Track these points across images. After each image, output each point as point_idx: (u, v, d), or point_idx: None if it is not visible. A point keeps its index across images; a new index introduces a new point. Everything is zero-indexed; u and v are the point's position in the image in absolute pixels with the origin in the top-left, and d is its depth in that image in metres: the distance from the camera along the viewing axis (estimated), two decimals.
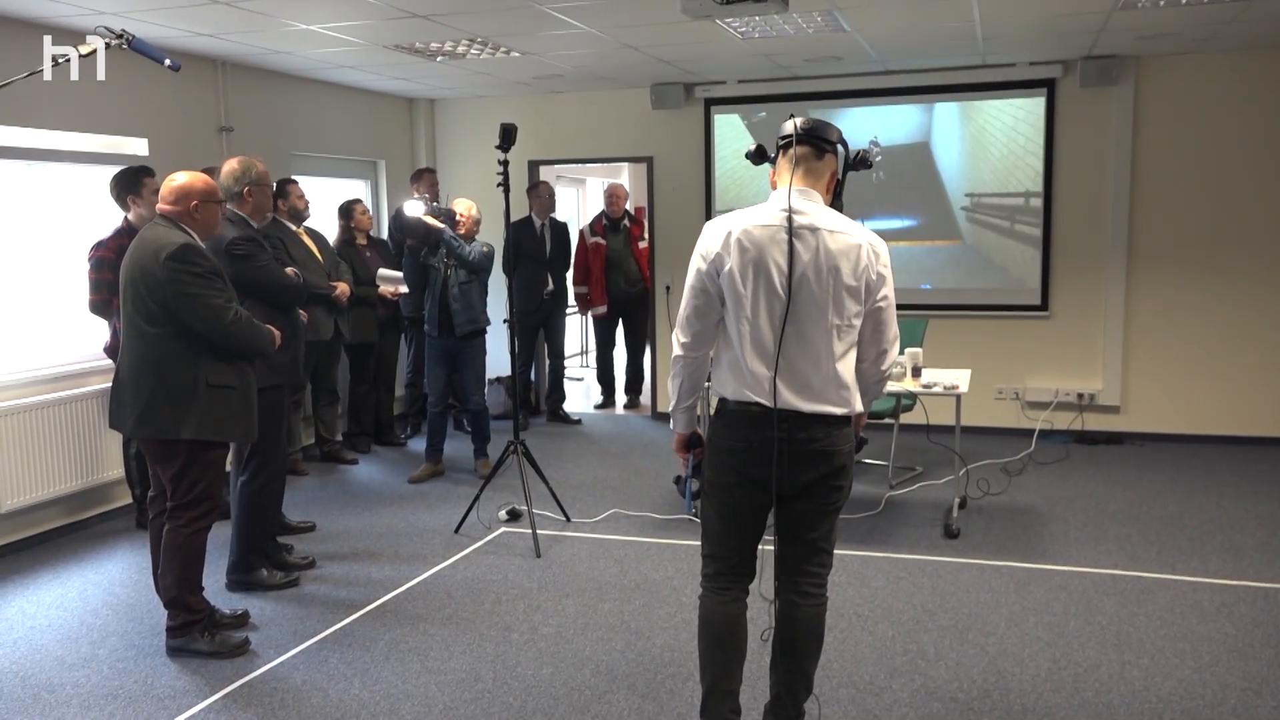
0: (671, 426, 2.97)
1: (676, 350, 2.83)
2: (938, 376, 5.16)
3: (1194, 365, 6.84)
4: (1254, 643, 3.72)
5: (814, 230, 2.68)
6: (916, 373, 5.07)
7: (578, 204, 12.51)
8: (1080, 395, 7.04)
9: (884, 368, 2.84)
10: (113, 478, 5.43)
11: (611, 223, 8.07)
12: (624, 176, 12.03)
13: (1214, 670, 3.51)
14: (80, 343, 5.36)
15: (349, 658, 3.74)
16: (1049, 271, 7.02)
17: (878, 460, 6.37)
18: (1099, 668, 3.54)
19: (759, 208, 2.76)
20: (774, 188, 2.83)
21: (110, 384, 3.81)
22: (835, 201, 2.88)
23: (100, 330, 5.15)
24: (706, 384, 2.89)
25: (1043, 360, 7.12)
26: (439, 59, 6.28)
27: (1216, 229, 6.69)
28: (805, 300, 2.67)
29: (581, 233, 8.17)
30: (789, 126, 2.77)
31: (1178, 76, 6.64)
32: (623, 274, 8.02)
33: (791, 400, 2.69)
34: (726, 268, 2.69)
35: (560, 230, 7.83)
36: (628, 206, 8.32)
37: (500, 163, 5.02)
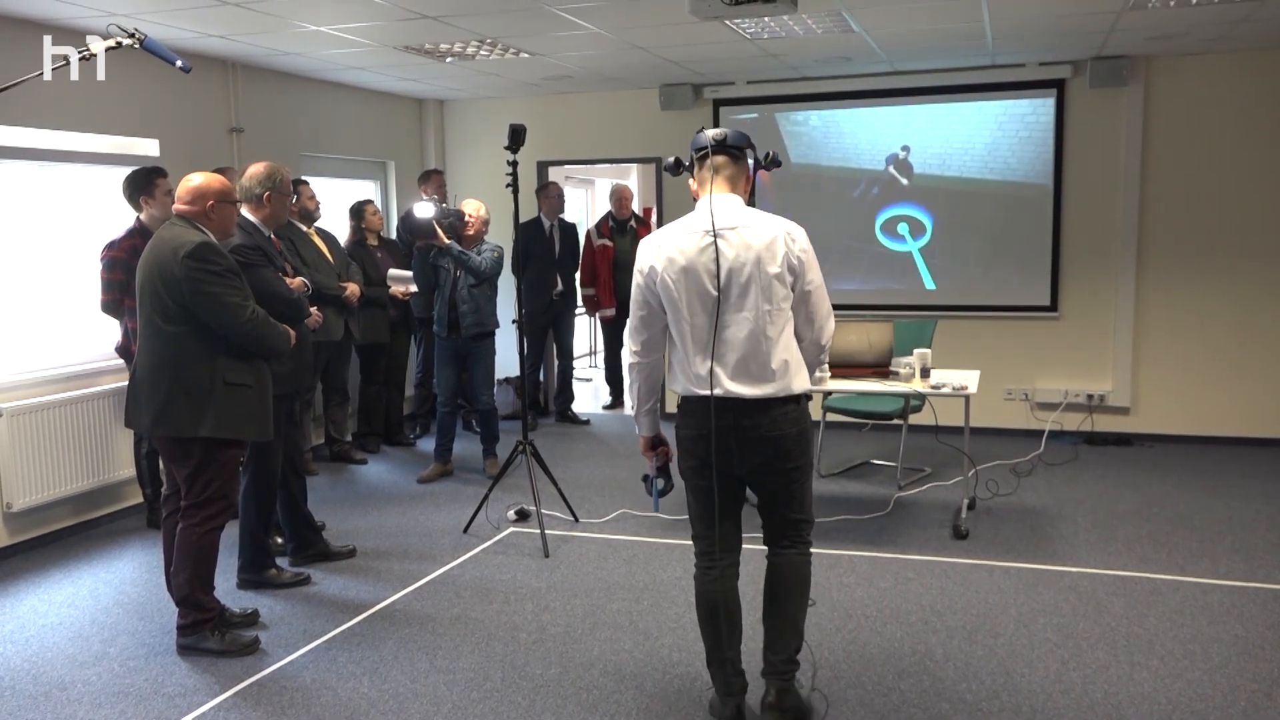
0: (636, 430, 3.25)
1: (629, 359, 3.12)
2: (946, 377, 5.15)
3: (1204, 366, 6.82)
4: (1264, 645, 3.70)
5: (734, 229, 2.95)
6: (925, 373, 5.06)
7: (587, 205, 12.52)
8: (1090, 396, 7.02)
9: (823, 342, 3.09)
10: (123, 477, 5.45)
11: (618, 224, 8.07)
12: (633, 177, 12.04)
13: (1224, 672, 3.50)
14: (91, 342, 5.39)
15: (358, 656, 3.75)
16: (1058, 272, 7.00)
17: (886, 461, 6.37)
18: (1108, 669, 3.53)
19: (686, 219, 3.03)
20: (695, 197, 3.10)
21: (121, 383, 3.83)
22: (750, 199, 3.14)
23: (111, 330, 5.17)
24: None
25: (1052, 361, 7.11)
26: (448, 60, 6.29)
27: (1227, 229, 6.66)
28: (735, 294, 2.93)
29: (588, 234, 8.18)
30: (705, 139, 3.05)
31: (1188, 77, 6.62)
32: (630, 276, 8.00)
33: (736, 388, 2.94)
34: (660, 278, 2.98)
35: (569, 231, 7.84)
36: (635, 208, 8.32)
37: (509, 163, 5.03)
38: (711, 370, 2.94)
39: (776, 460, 3.00)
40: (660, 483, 3.30)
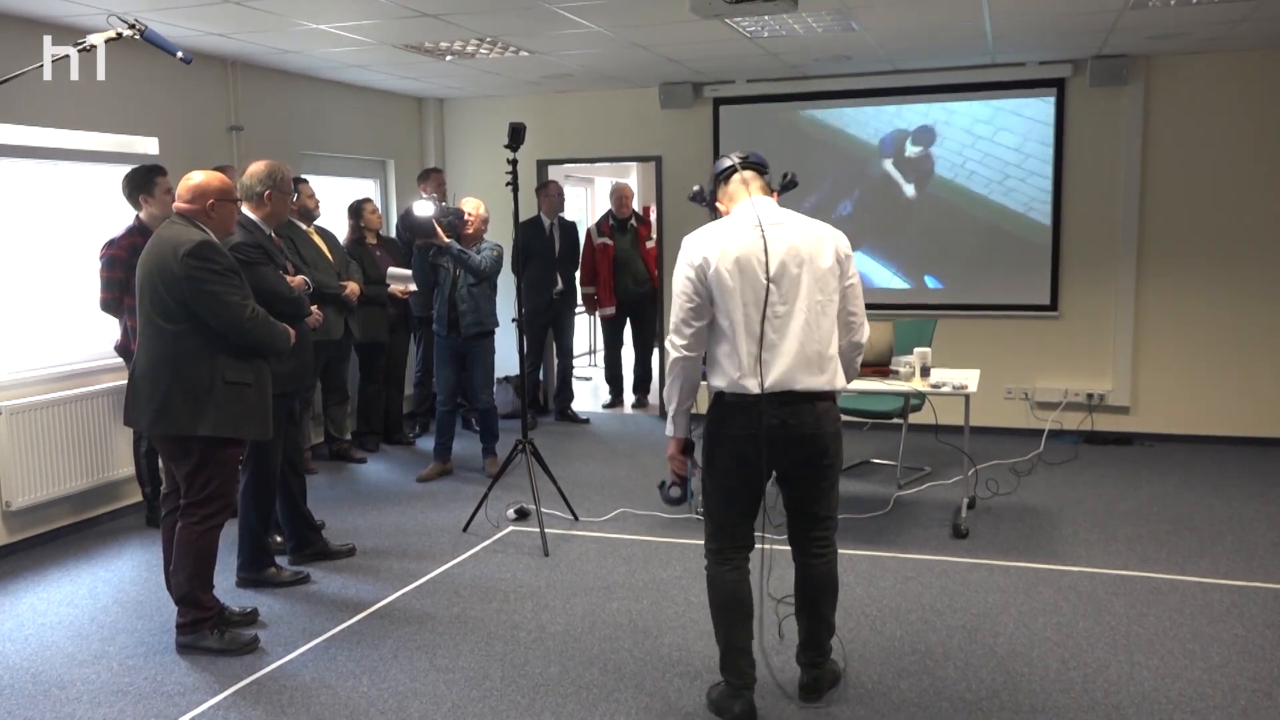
0: (670, 432, 3.22)
1: (675, 354, 3.09)
2: (946, 376, 5.14)
3: (1204, 365, 6.82)
4: (1265, 644, 3.70)
5: (782, 224, 3.05)
6: (925, 372, 5.05)
7: (586, 203, 12.52)
8: (1090, 395, 7.02)
9: (861, 341, 3.20)
10: (123, 476, 5.45)
11: (618, 223, 8.07)
12: (633, 176, 12.03)
13: (1224, 671, 3.50)
14: (91, 341, 5.38)
15: (357, 655, 3.75)
16: (1058, 271, 7.00)
17: (886, 460, 6.37)
18: (1108, 668, 3.53)
19: (731, 217, 3.13)
20: (725, 213, 3.19)
21: (121, 381, 3.82)
22: None
23: (111, 328, 5.17)
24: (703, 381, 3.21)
25: (1052, 360, 7.11)
26: (448, 58, 6.29)
27: (1227, 228, 6.66)
28: (787, 285, 3.00)
29: (588, 233, 8.17)
30: (731, 158, 3.22)
31: (1188, 76, 6.62)
32: (630, 274, 8.01)
33: (785, 379, 2.99)
34: (713, 269, 2.99)
35: (569, 229, 7.83)
36: (636, 206, 8.32)
37: (509, 162, 5.03)
38: (760, 360, 2.98)
39: (816, 457, 3.08)
40: (677, 491, 3.29)
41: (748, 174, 3.19)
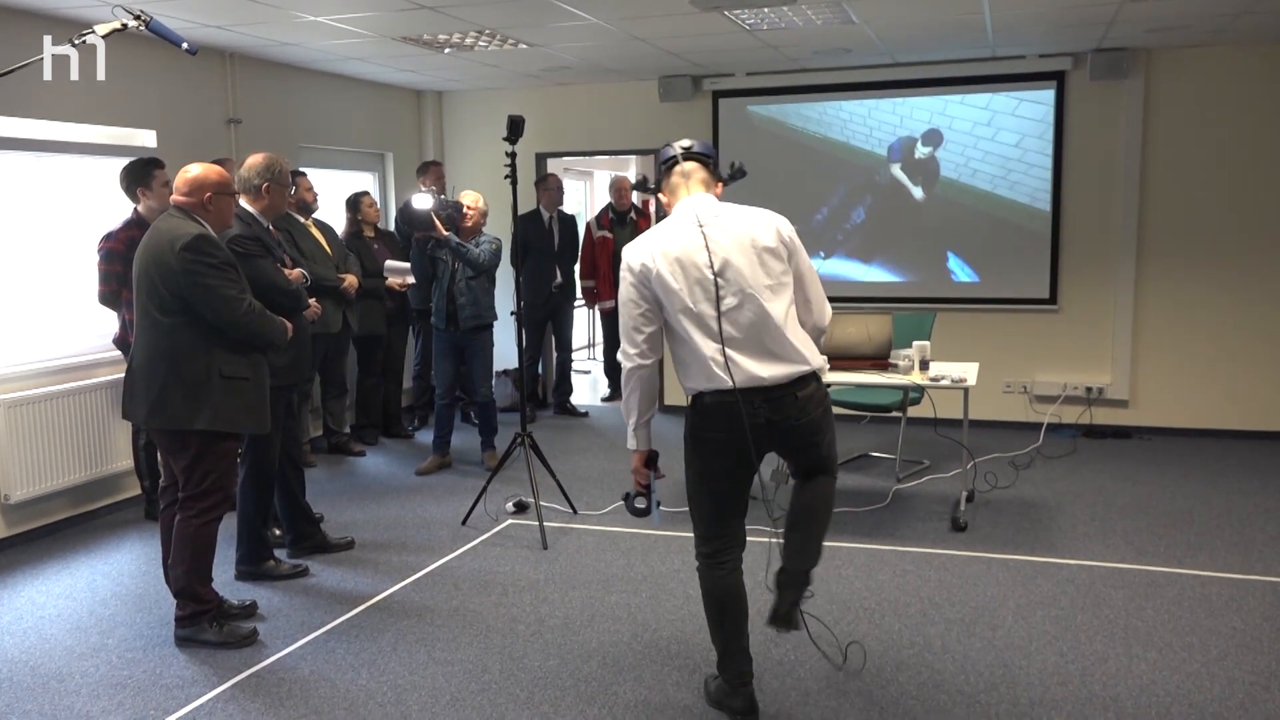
0: (632, 445, 3.11)
1: (629, 364, 3.00)
2: (946, 370, 5.14)
3: (1203, 359, 6.82)
4: (1262, 637, 3.71)
5: (720, 217, 2.98)
6: (924, 366, 5.05)
7: (585, 197, 12.51)
8: (1089, 389, 7.02)
9: (824, 326, 3.14)
10: (121, 469, 5.45)
11: (618, 216, 8.06)
12: (632, 169, 12.01)
13: (1222, 664, 3.50)
14: (89, 334, 5.38)
15: (356, 648, 3.75)
16: (1058, 265, 6.99)
17: (885, 454, 6.37)
18: (1106, 661, 3.54)
19: (668, 221, 3.05)
20: (667, 210, 3.12)
21: (119, 374, 3.81)
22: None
23: (109, 321, 5.17)
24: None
25: (1051, 354, 7.11)
26: (447, 51, 6.28)
27: (1227, 222, 6.66)
28: (733, 274, 2.91)
29: (588, 226, 8.17)
30: (674, 148, 3.14)
31: (1189, 69, 6.61)
32: None
33: (756, 371, 2.90)
34: (655, 272, 2.93)
35: (568, 223, 7.83)
36: (635, 200, 8.31)
37: (508, 155, 5.02)
38: (726, 354, 2.89)
39: (805, 440, 3.02)
40: (642, 502, 3.17)
41: (689, 165, 3.10)
